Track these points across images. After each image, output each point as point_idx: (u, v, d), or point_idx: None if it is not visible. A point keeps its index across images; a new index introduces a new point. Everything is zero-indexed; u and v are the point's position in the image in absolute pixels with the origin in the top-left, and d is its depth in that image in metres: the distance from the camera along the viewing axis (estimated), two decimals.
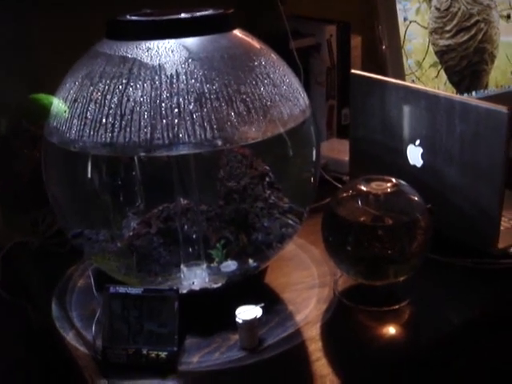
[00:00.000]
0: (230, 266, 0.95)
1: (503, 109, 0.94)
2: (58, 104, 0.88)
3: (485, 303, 0.95)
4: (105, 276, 0.98)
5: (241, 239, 0.99)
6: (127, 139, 0.80)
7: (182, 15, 0.87)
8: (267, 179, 1.03)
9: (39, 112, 0.95)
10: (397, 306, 0.94)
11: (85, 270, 1.07)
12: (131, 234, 1.00)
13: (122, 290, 0.86)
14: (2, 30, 1.20)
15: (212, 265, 0.97)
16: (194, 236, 0.99)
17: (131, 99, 0.81)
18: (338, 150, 1.39)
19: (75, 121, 0.84)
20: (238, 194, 1.03)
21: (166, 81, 0.82)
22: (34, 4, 1.21)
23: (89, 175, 0.93)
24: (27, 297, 1.12)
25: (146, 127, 0.80)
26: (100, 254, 0.98)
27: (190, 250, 0.98)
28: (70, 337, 0.92)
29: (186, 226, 1.00)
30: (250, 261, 0.97)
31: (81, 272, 1.08)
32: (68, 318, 0.96)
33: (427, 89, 1.09)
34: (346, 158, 1.28)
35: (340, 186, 1.28)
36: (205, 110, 0.81)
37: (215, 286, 0.93)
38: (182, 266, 0.96)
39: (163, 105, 0.80)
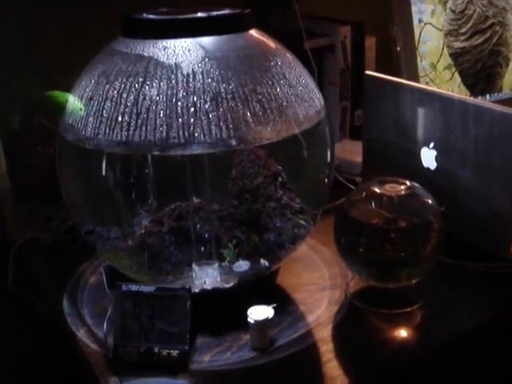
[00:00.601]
0: (243, 266, 0.95)
1: None
2: (74, 101, 0.88)
3: (497, 306, 0.95)
4: (117, 273, 0.98)
5: (252, 239, 0.99)
6: (143, 138, 0.80)
7: (199, 14, 0.87)
8: (280, 179, 1.03)
9: (55, 109, 0.95)
10: (409, 309, 0.94)
11: (97, 267, 1.08)
12: (143, 231, 1.00)
13: (134, 288, 0.86)
14: (15, 25, 1.20)
15: (223, 264, 0.97)
16: (206, 235, 0.99)
17: (147, 98, 0.81)
18: (351, 152, 1.39)
19: (91, 119, 0.84)
20: (251, 193, 1.03)
21: (183, 80, 0.81)
22: None
23: (103, 172, 0.94)
24: (37, 292, 1.12)
25: (161, 126, 0.80)
26: (112, 252, 0.98)
27: (202, 249, 0.98)
28: (81, 334, 0.92)
29: (198, 225, 1.00)
30: (262, 261, 0.97)
31: (93, 269, 1.08)
32: (79, 314, 0.97)
33: (441, 91, 1.08)
34: (359, 159, 1.27)
35: (352, 187, 1.28)
36: (221, 109, 0.81)
37: (227, 285, 0.93)
38: (193, 265, 0.96)
39: (179, 104, 0.80)
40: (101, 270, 1.04)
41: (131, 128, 0.81)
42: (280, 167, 1.03)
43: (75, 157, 0.93)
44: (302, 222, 1.01)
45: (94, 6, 1.23)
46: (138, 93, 0.82)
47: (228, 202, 1.03)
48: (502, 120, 0.97)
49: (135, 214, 1.04)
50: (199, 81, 0.81)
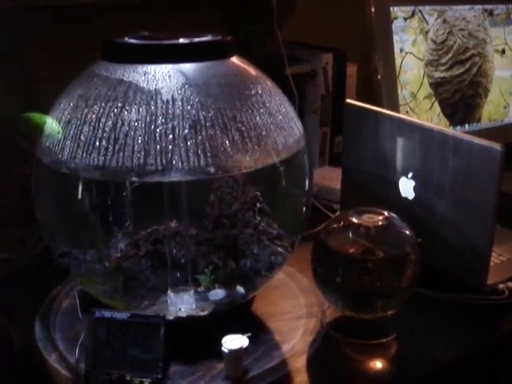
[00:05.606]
0: (218, 294, 0.94)
1: (497, 146, 0.94)
2: (52, 124, 0.88)
3: (473, 339, 0.95)
4: (91, 297, 0.97)
5: (229, 265, 0.98)
6: (120, 164, 0.80)
7: (181, 40, 0.87)
8: (258, 205, 1.03)
9: (32, 131, 0.94)
10: (384, 340, 0.93)
11: (70, 290, 1.06)
12: (119, 255, 0.99)
13: (107, 314, 0.85)
14: None
15: (199, 289, 0.96)
16: (182, 260, 0.98)
17: (126, 123, 0.81)
18: (330, 178, 1.39)
19: (68, 142, 0.83)
20: (228, 219, 1.02)
21: (162, 106, 0.81)
22: (29, 18, 1.20)
23: (79, 196, 0.92)
24: (10, 315, 1.10)
25: (139, 152, 0.79)
26: (86, 276, 0.97)
27: (178, 274, 0.97)
28: (52, 359, 0.91)
29: (174, 250, 0.99)
30: (238, 287, 0.96)
31: (66, 292, 1.07)
32: (51, 339, 0.95)
33: (421, 122, 1.09)
34: (338, 186, 1.27)
35: (331, 214, 1.28)
36: (199, 137, 0.80)
37: (202, 313, 0.92)
38: (168, 292, 0.95)
39: (158, 130, 0.80)
40: (74, 293, 1.03)
41: (108, 153, 0.80)
42: (258, 193, 1.03)
43: (51, 179, 0.92)
44: (280, 249, 1.01)
45: (92, 26, 1.23)
46: (117, 118, 0.81)
47: (205, 227, 1.03)
48: (480, 152, 0.97)
49: (112, 237, 1.03)
50: (178, 107, 0.81)
